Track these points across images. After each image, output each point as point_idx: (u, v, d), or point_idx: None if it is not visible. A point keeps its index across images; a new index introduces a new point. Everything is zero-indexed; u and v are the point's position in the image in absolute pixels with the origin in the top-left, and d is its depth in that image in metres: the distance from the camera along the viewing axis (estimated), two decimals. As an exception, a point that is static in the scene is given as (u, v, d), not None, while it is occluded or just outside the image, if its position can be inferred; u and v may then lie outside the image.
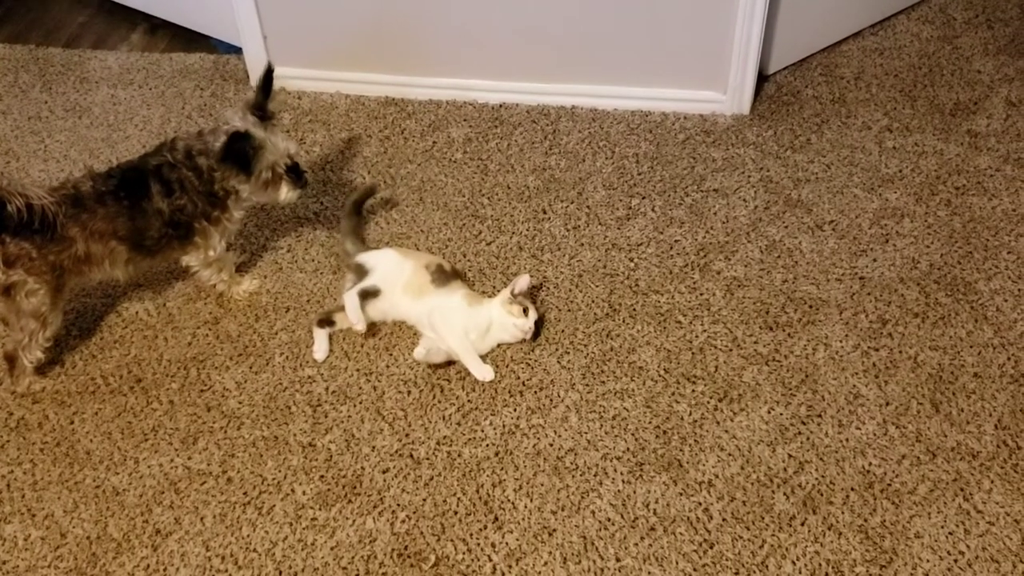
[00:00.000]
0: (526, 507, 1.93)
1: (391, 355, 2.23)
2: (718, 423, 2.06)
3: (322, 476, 2.00)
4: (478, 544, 1.88)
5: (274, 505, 1.96)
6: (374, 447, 2.05)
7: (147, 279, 2.41)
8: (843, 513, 1.90)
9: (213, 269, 2.30)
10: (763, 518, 1.90)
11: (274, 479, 2.00)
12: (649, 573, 1.83)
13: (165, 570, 1.86)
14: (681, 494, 1.94)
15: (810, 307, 2.29)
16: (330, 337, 2.25)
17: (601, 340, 2.24)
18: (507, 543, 1.88)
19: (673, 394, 2.12)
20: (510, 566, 1.85)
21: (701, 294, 2.34)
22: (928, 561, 1.82)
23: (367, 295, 2.22)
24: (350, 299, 2.20)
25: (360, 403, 2.13)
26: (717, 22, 2.68)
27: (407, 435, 2.07)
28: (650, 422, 2.07)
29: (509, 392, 2.14)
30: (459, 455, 2.03)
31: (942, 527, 1.87)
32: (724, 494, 1.94)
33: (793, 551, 1.85)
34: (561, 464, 2.00)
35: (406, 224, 2.55)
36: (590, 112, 2.87)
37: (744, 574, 1.82)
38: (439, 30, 2.83)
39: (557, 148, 2.76)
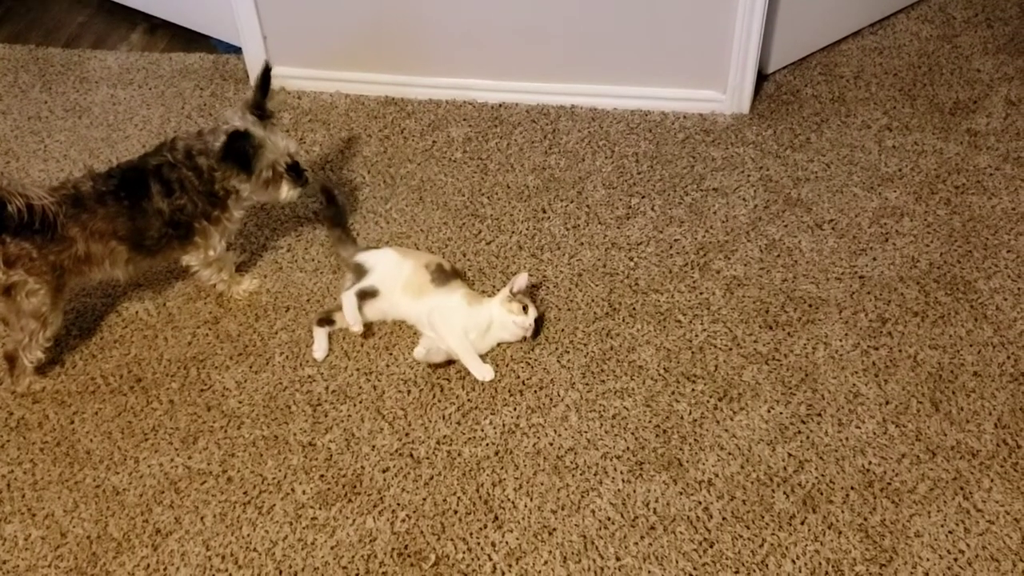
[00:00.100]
0: (526, 506, 1.93)
1: (391, 354, 2.23)
2: (718, 422, 2.06)
3: (322, 475, 2.00)
4: (478, 543, 1.88)
5: (274, 504, 1.96)
6: (374, 446, 2.05)
7: (147, 279, 2.41)
8: (843, 512, 1.90)
9: (213, 269, 2.30)
10: (763, 517, 1.90)
11: (274, 478, 2.00)
12: (649, 572, 1.83)
13: (165, 569, 1.87)
14: (681, 493, 1.94)
15: (810, 306, 2.29)
16: (330, 336, 2.25)
17: (601, 339, 2.24)
18: (507, 542, 1.88)
19: (673, 393, 2.12)
20: (510, 565, 1.85)
21: (701, 293, 2.34)
22: (928, 560, 1.82)
23: (365, 295, 2.22)
24: (348, 300, 2.20)
25: (360, 402, 2.14)
26: (716, 21, 2.68)
27: (407, 434, 2.07)
28: (650, 421, 2.07)
29: (509, 391, 2.14)
30: (459, 454, 2.03)
31: (942, 526, 1.87)
32: (724, 493, 1.94)
33: (793, 550, 1.85)
34: (561, 463, 2.00)
35: (406, 223, 2.56)
36: (590, 111, 2.87)
37: (744, 573, 1.82)
38: (439, 30, 2.83)
39: (557, 147, 2.77)
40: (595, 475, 1.98)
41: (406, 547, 1.88)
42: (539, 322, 2.24)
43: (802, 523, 1.89)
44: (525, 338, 2.21)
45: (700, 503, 1.93)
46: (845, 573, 1.81)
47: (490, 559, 1.86)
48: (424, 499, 1.95)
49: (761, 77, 2.89)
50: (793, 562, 1.83)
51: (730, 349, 2.21)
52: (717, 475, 1.97)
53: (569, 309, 2.31)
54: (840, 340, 2.21)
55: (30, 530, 1.94)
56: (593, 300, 2.33)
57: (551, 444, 2.04)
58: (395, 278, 2.24)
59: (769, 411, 2.08)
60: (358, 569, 1.85)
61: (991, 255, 2.39)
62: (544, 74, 2.87)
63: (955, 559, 1.82)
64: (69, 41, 3.28)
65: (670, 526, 1.89)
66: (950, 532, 1.86)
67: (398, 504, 1.95)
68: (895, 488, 1.94)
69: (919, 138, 2.73)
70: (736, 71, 2.76)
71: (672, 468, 1.99)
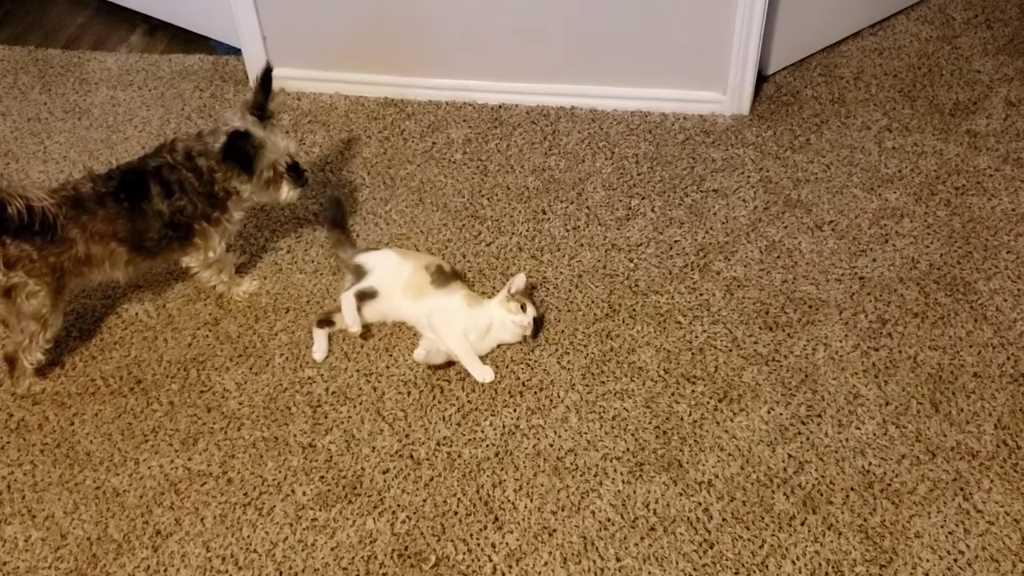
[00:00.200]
0: (526, 507, 1.93)
1: (391, 356, 2.23)
2: (718, 423, 2.06)
3: (322, 477, 2.00)
4: (478, 544, 1.88)
5: (274, 506, 1.96)
6: (374, 448, 2.05)
7: (147, 280, 2.41)
8: (843, 513, 1.90)
9: (213, 270, 2.30)
10: (763, 518, 1.90)
11: (274, 480, 2.00)
12: (649, 573, 1.83)
13: (165, 571, 1.87)
14: (681, 494, 1.94)
15: (810, 307, 2.30)
16: (330, 338, 2.25)
17: (601, 340, 2.24)
18: (507, 543, 1.88)
19: (673, 394, 2.12)
20: (510, 566, 1.85)
21: (701, 294, 2.34)
22: (928, 561, 1.82)
23: (365, 296, 2.22)
24: (347, 301, 2.20)
25: (360, 404, 2.14)
26: (716, 22, 2.69)
27: (407, 436, 2.07)
28: (650, 422, 2.07)
29: (509, 393, 2.14)
30: (459, 456, 2.03)
31: (942, 527, 1.87)
32: (724, 494, 1.94)
33: (793, 551, 1.85)
34: (561, 464, 2.00)
35: (406, 225, 2.56)
36: (589, 113, 2.88)
37: (744, 574, 1.82)
38: (439, 31, 2.83)
39: (557, 149, 2.77)
40: (595, 476, 1.98)
41: (406, 548, 1.88)
42: (539, 323, 2.24)
43: (802, 524, 1.89)
44: (525, 338, 2.21)
45: (700, 504, 1.93)
46: (845, 574, 1.81)
47: (490, 560, 1.86)
48: (424, 500, 1.95)
49: (761, 78, 2.89)
50: (793, 563, 1.83)
51: (730, 350, 2.21)
52: (717, 476, 1.97)
53: (569, 310, 2.31)
54: (840, 341, 2.21)
55: (30, 531, 1.94)
56: (593, 301, 2.33)
57: (551, 445, 2.04)
58: (395, 279, 2.24)
59: (769, 412, 2.08)
60: (358, 570, 1.85)
61: (991, 256, 2.39)
62: (544, 75, 2.87)
63: (955, 560, 1.82)
64: (69, 43, 3.28)
65: (670, 527, 1.89)
66: (950, 533, 1.86)
67: (398, 505, 1.95)
68: (895, 489, 1.94)
69: (919, 139, 2.73)
70: (736, 72, 2.76)
71: (672, 469, 1.99)
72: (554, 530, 1.90)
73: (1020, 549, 1.84)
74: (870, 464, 1.98)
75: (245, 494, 1.98)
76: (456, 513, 1.93)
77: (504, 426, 2.07)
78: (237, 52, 3.07)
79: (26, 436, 2.11)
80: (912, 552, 1.84)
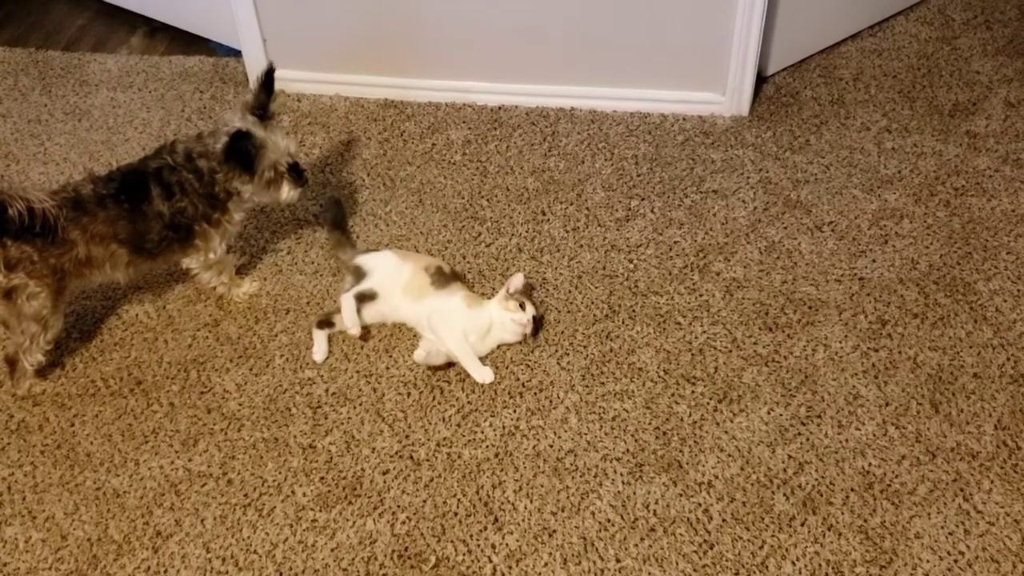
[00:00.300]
0: (526, 508, 1.94)
1: (391, 357, 2.23)
2: (718, 424, 2.06)
3: (322, 478, 2.00)
4: (478, 545, 1.88)
5: (274, 507, 1.96)
6: (374, 449, 2.05)
7: (147, 281, 2.41)
8: (843, 514, 1.90)
9: (213, 271, 2.30)
10: (763, 519, 1.90)
11: (274, 481, 2.00)
12: (649, 574, 1.83)
13: (166, 572, 1.87)
14: (681, 495, 1.94)
15: (809, 308, 2.30)
16: (330, 339, 2.25)
17: (600, 341, 2.24)
18: (507, 544, 1.88)
19: (673, 395, 2.13)
20: (510, 567, 1.85)
21: (700, 295, 2.34)
22: (928, 561, 1.82)
23: (364, 298, 2.22)
24: (346, 302, 2.21)
25: (360, 405, 2.14)
26: (716, 23, 2.69)
27: (407, 437, 2.07)
28: (650, 423, 2.07)
29: (509, 394, 2.14)
30: (459, 456, 2.03)
31: (942, 527, 1.87)
32: (724, 495, 1.94)
33: (793, 552, 1.85)
34: (561, 465, 2.01)
35: (405, 226, 2.56)
36: (589, 114, 2.88)
37: (744, 575, 1.82)
38: (438, 32, 2.83)
39: (556, 150, 2.77)
40: (595, 477, 1.98)
41: (406, 549, 1.88)
42: (539, 323, 2.24)
43: (802, 525, 1.89)
44: (525, 339, 2.21)
45: (700, 505, 1.93)
46: (845, 575, 1.81)
47: (490, 561, 1.86)
48: (424, 501, 1.96)
49: (760, 79, 2.89)
50: (793, 564, 1.83)
51: (730, 351, 2.21)
52: (717, 477, 1.97)
53: (569, 311, 2.31)
54: (840, 342, 2.22)
55: (31, 532, 1.94)
56: (593, 302, 2.33)
57: (551, 446, 2.04)
58: (395, 281, 2.24)
59: (769, 413, 2.08)
60: (358, 571, 1.85)
61: (991, 257, 2.39)
62: (543, 76, 2.88)
63: (955, 560, 1.82)
64: (69, 44, 3.29)
65: (670, 528, 1.89)
66: (950, 534, 1.86)
67: (398, 506, 1.95)
68: (895, 490, 1.94)
69: (918, 140, 2.73)
70: (735, 73, 2.76)
71: (672, 470, 1.99)
72: (554, 531, 1.90)
73: (1020, 550, 1.84)
74: (870, 465, 1.98)
75: (245, 495, 1.98)
76: (456, 514, 1.93)
77: (504, 427, 2.08)
78: (237, 54, 3.07)
79: (27, 437, 2.11)
80: (912, 553, 1.84)
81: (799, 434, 2.04)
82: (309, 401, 2.15)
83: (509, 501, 1.95)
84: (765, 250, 2.44)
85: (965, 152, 2.69)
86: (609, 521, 1.91)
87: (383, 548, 1.89)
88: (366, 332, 2.25)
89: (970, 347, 2.19)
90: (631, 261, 2.43)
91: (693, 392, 2.13)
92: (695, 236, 2.49)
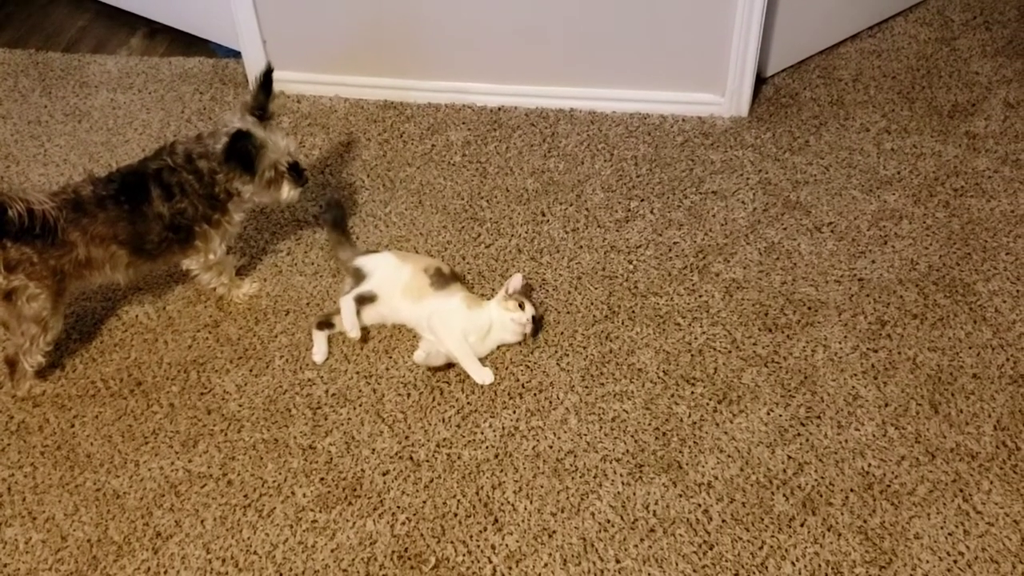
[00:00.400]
0: (526, 509, 1.94)
1: (391, 358, 2.23)
2: (717, 425, 2.07)
3: (322, 479, 2.01)
4: (478, 546, 1.88)
5: (274, 508, 1.96)
6: (374, 449, 2.05)
7: (147, 283, 2.41)
8: (842, 514, 1.90)
9: (213, 272, 2.30)
10: (763, 519, 1.90)
11: (274, 481, 2.00)
12: (649, 574, 1.83)
13: (166, 573, 1.87)
14: (681, 496, 1.94)
15: (809, 309, 2.30)
16: (329, 340, 2.25)
17: (600, 342, 2.24)
18: (507, 545, 1.88)
19: (672, 396, 2.13)
20: (510, 568, 1.85)
21: (700, 296, 2.34)
22: (928, 562, 1.83)
23: (364, 300, 2.22)
24: (346, 305, 2.21)
25: (360, 406, 2.14)
26: (715, 25, 2.69)
27: (407, 437, 2.07)
28: (649, 424, 2.07)
29: (508, 394, 2.14)
30: (459, 457, 2.03)
31: (941, 528, 1.87)
32: (723, 495, 1.94)
33: (793, 552, 1.85)
34: (561, 466, 2.01)
35: (405, 227, 2.56)
36: (589, 115, 2.88)
37: (744, 575, 1.82)
38: (438, 33, 2.84)
39: (556, 151, 2.77)
40: (595, 478, 1.98)
41: (406, 550, 1.88)
42: (539, 324, 2.24)
43: (802, 525, 1.89)
44: (525, 338, 2.21)
45: (700, 505, 1.93)
46: (844, 575, 1.82)
47: (490, 561, 1.86)
48: (424, 502, 1.96)
49: (760, 80, 2.89)
50: (793, 564, 1.83)
51: (729, 352, 2.21)
52: (717, 477, 1.97)
53: (568, 312, 2.32)
54: (839, 342, 2.22)
55: (31, 534, 1.94)
56: (592, 303, 2.33)
57: (551, 447, 2.04)
58: (394, 282, 2.24)
59: (768, 413, 2.08)
60: (358, 572, 1.85)
61: (990, 257, 2.39)
62: (543, 77, 2.88)
63: (955, 561, 1.83)
64: (69, 46, 3.29)
65: (670, 528, 1.89)
66: (950, 534, 1.87)
67: (398, 507, 1.95)
68: (894, 490, 1.94)
69: (917, 141, 2.73)
70: (735, 74, 2.77)
71: (672, 471, 1.99)
72: (554, 532, 1.90)
73: (1020, 550, 1.84)
74: (869, 465, 1.98)
75: (245, 496, 1.98)
76: (456, 515, 1.93)
77: (504, 428, 2.08)
78: (237, 55, 3.07)
79: (27, 438, 2.11)
80: (912, 553, 1.84)
81: (799, 435, 2.04)
82: (309, 402, 2.15)
83: (509, 502, 1.95)
84: (764, 251, 2.44)
85: (964, 153, 2.69)
86: (609, 522, 1.91)
87: (383, 549, 1.89)
88: (365, 334, 2.25)
89: (969, 348, 2.19)
90: (631, 262, 2.43)
91: (693, 393, 2.13)
92: (695, 237, 2.49)
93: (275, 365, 2.23)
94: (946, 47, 3.04)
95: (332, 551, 1.89)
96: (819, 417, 2.07)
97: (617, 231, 2.52)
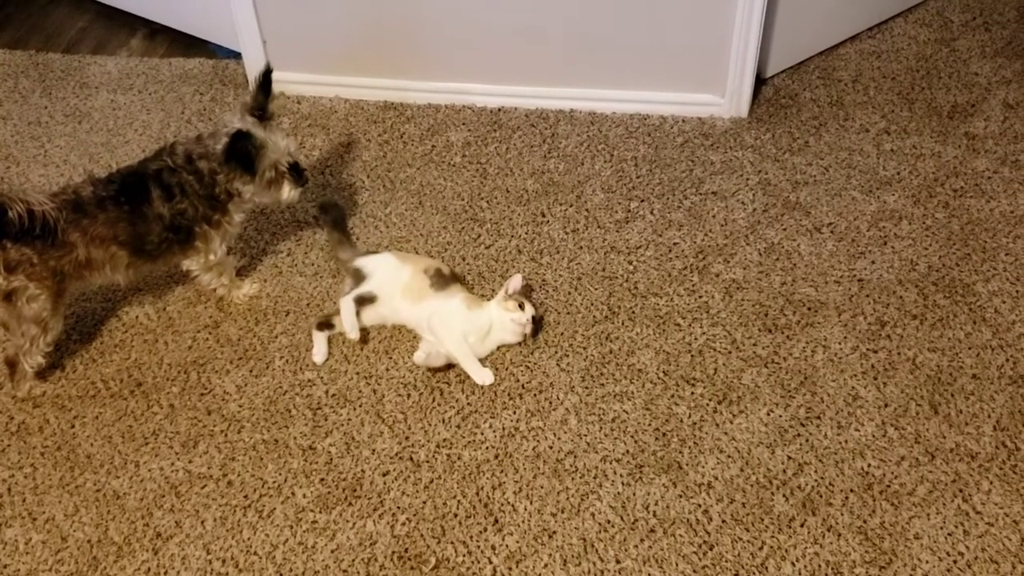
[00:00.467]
0: (526, 509, 1.94)
1: (391, 358, 2.23)
2: (717, 425, 2.07)
3: (322, 479, 2.01)
4: (478, 546, 1.88)
5: (275, 508, 1.96)
6: (374, 450, 2.05)
7: (147, 283, 2.41)
8: (842, 514, 1.90)
9: (213, 273, 2.30)
10: (763, 520, 1.90)
11: (274, 482, 2.01)
12: (649, 575, 1.83)
13: (166, 573, 1.87)
14: (681, 496, 1.95)
15: (809, 309, 2.30)
16: (330, 340, 2.25)
17: (600, 343, 2.24)
18: (507, 545, 1.88)
19: (672, 396, 2.13)
20: (510, 568, 1.85)
21: (700, 297, 2.34)
22: (927, 562, 1.83)
23: (364, 301, 2.22)
24: (346, 306, 2.21)
25: (360, 406, 2.14)
26: (715, 25, 2.69)
27: (407, 438, 2.07)
28: (649, 424, 2.08)
29: (508, 395, 2.14)
30: (459, 458, 2.03)
31: (941, 528, 1.88)
32: (724, 496, 1.94)
33: (793, 552, 1.85)
34: (561, 466, 2.01)
35: (405, 228, 2.56)
36: (588, 115, 2.88)
37: (744, 575, 1.83)
38: (438, 34, 2.84)
39: (556, 151, 2.77)
40: (595, 478, 1.98)
41: (406, 550, 1.88)
42: (538, 324, 2.25)
43: (801, 526, 1.89)
44: (525, 339, 2.21)
45: (700, 506, 1.93)
46: (844, 575, 1.82)
47: (490, 562, 1.86)
48: (424, 502, 1.96)
49: (759, 81, 2.89)
50: (793, 564, 1.83)
51: (729, 352, 2.21)
52: (717, 478, 1.97)
53: (568, 313, 2.32)
54: (839, 343, 2.22)
55: (31, 534, 1.94)
56: (592, 304, 2.34)
57: (551, 447, 2.04)
58: (394, 283, 2.24)
59: (768, 414, 2.08)
60: (358, 572, 1.85)
61: (989, 258, 2.40)
62: (543, 78, 2.88)
63: (954, 561, 1.83)
64: (69, 46, 3.29)
65: (670, 529, 1.89)
66: (949, 534, 1.87)
67: (398, 507, 1.95)
68: (894, 490, 1.94)
69: (917, 142, 2.74)
70: (735, 75, 2.77)
71: (672, 471, 1.99)
72: (554, 532, 1.90)
73: (1019, 550, 1.84)
74: (869, 466, 1.98)
75: (245, 496, 1.98)
76: (456, 515, 1.93)
77: (504, 428, 2.08)
78: (237, 56, 3.08)
79: (27, 439, 2.11)
80: (912, 553, 1.84)
81: (798, 435, 2.04)
82: (309, 403, 2.15)
83: (509, 502, 1.95)
84: (764, 251, 2.44)
85: (964, 154, 2.69)
86: (609, 522, 1.91)
87: (383, 549, 1.89)
88: (365, 335, 2.25)
89: (969, 348, 2.19)
90: (631, 263, 2.43)
91: (693, 393, 2.13)
92: (694, 238, 2.49)
93: (275, 366, 2.23)
94: (945, 48, 3.04)
95: (332, 552, 1.89)
96: (819, 417, 2.07)
97: (617, 232, 2.52)
